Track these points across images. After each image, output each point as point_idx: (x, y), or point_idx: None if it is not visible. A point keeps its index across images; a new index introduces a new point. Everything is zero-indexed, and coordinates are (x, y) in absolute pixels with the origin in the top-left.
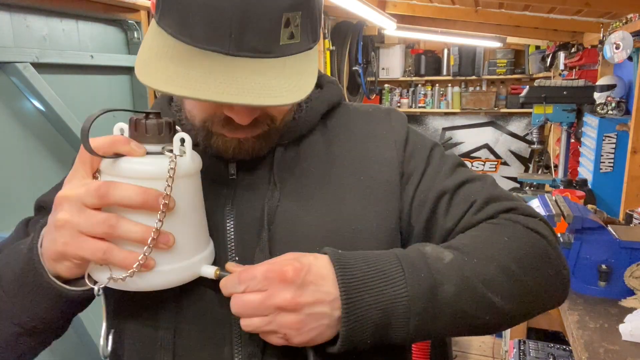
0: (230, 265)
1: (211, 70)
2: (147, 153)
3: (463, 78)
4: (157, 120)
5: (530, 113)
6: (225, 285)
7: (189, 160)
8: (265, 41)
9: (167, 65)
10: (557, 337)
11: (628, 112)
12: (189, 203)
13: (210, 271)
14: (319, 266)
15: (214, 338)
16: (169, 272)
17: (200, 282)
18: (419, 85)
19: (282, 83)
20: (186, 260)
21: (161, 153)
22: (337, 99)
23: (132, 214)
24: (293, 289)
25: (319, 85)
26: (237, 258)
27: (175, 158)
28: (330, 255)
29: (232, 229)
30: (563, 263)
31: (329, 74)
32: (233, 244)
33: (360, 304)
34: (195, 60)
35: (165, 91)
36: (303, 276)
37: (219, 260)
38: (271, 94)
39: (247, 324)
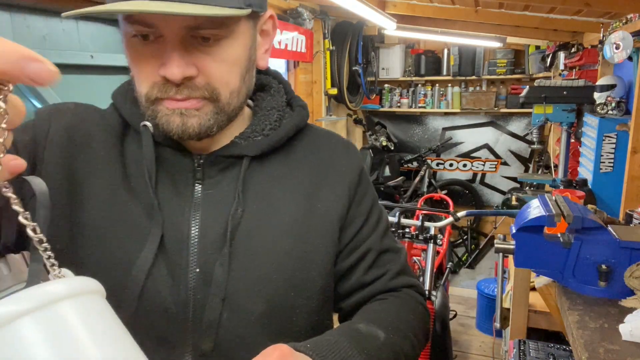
0: None
1: (136, 4)
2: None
3: (463, 78)
4: None
5: (530, 113)
6: None
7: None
8: None
9: (104, 7)
10: (557, 337)
11: (628, 112)
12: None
13: None
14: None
15: (168, 340)
16: None
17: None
18: (419, 85)
19: (199, 10)
20: None
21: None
22: (304, 122)
23: None
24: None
25: (290, 106)
26: (197, 270)
27: None
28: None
29: (197, 240)
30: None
31: (329, 74)
32: (195, 256)
33: None
34: (121, 3)
35: (80, 12)
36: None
37: (179, 268)
38: (187, 10)
39: None
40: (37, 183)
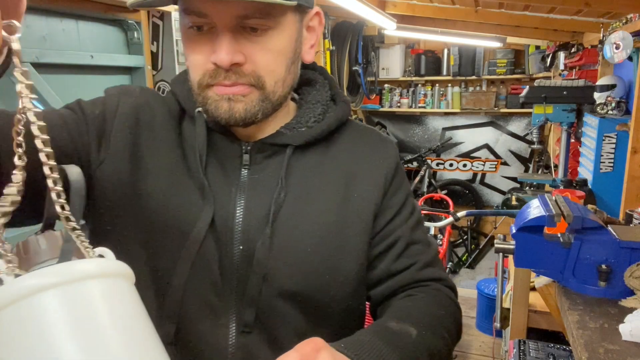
0: None
1: None
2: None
3: (463, 78)
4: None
5: (530, 113)
6: None
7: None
8: None
9: None
10: (557, 337)
11: (628, 112)
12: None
13: None
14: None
15: (215, 309)
16: None
17: (207, 261)
18: (419, 85)
19: None
20: None
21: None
22: (346, 117)
23: None
24: (327, 350)
25: (334, 100)
26: (241, 247)
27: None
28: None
29: (241, 219)
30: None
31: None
32: (239, 234)
33: None
34: None
35: None
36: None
37: (225, 245)
38: None
39: None
40: (74, 172)
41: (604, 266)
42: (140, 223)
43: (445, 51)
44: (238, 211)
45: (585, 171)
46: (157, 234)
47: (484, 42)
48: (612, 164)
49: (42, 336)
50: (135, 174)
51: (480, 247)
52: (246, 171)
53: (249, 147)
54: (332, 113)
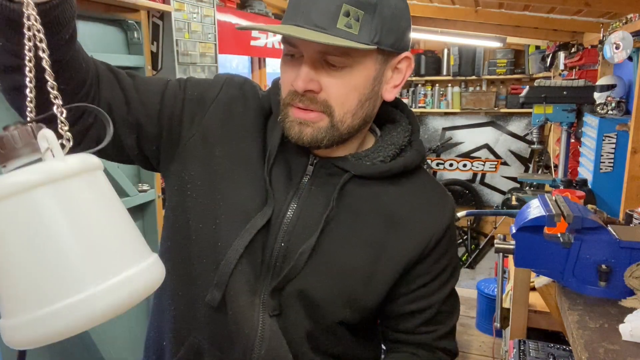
0: None
1: (285, 29)
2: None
3: (463, 78)
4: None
5: (530, 113)
6: None
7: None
8: (324, 19)
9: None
10: (557, 337)
11: (628, 112)
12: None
13: None
14: None
15: (253, 289)
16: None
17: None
18: (419, 85)
19: (328, 40)
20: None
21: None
22: (414, 165)
23: None
24: None
25: (410, 142)
26: (282, 244)
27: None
28: None
29: (289, 220)
30: None
31: None
32: (284, 233)
33: None
34: (278, 27)
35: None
36: None
37: (271, 237)
38: (318, 39)
39: None
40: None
41: (604, 266)
42: (212, 199)
43: (445, 51)
44: (289, 212)
45: (585, 171)
46: (224, 211)
47: (484, 42)
48: (612, 164)
49: (37, 228)
50: (218, 155)
51: (480, 247)
52: (307, 179)
53: (315, 161)
54: (401, 159)
